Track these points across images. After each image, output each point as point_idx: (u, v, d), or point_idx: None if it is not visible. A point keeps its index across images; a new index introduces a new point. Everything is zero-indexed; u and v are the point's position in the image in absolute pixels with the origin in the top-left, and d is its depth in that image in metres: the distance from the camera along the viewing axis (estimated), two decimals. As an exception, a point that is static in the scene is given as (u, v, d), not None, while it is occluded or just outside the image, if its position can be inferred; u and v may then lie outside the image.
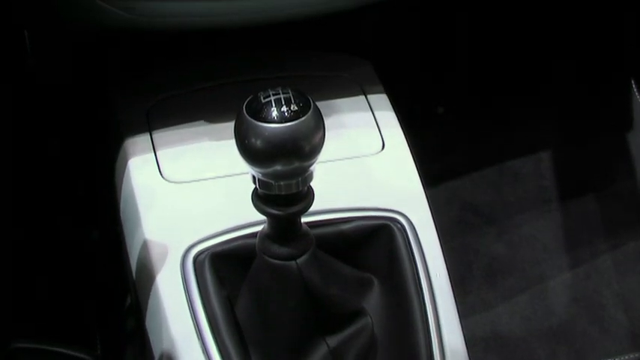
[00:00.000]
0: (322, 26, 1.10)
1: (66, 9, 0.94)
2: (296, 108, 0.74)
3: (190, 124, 1.07)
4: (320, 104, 1.05)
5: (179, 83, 1.13)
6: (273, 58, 1.17)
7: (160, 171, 1.01)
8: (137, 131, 1.07)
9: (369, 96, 1.12)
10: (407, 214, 0.96)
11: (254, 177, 0.77)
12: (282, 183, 0.76)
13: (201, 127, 1.06)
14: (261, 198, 0.79)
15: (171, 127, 1.07)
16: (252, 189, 0.80)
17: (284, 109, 0.73)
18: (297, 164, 0.74)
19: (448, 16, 1.50)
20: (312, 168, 0.77)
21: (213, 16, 0.96)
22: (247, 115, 0.74)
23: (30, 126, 1.37)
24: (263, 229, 0.84)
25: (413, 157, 1.04)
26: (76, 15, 0.96)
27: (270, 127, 0.73)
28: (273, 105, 0.74)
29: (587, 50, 1.67)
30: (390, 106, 1.12)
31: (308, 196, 0.80)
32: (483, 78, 1.65)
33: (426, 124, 1.60)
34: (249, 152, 0.74)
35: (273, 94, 0.74)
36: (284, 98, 0.74)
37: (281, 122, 0.73)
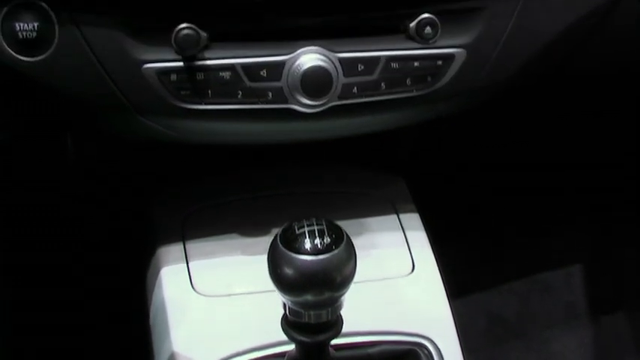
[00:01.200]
0: (357, 141, 1.12)
1: (107, 122, 0.98)
2: (329, 240, 0.75)
3: (224, 236, 1.08)
4: (351, 222, 1.08)
5: (215, 194, 1.15)
6: (307, 172, 1.19)
7: (191, 283, 1.03)
8: (171, 240, 1.08)
9: (400, 215, 1.14)
10: (434, 339, 0.96)
11: (284, 304, 0.79)
12: (312, 312, 0.77)
13: (234, 240, 1.08)
14: (291, 324, 0.80)
15: (206, 239, 1.08)
16: (282, 313, 0.81)
17: (317, 241, 0.75)
18: (327, 295, 0.76)
19: (477, 130, 1.52)
20: (342, 298, 0.78)
21: (253, 136, 0.99)
22: (281, 245, 0.75)
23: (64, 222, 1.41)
24: (291, 352, 0.84)
25: (443, 280, 1.05)
26: (116, 128, 1.00)
27: (303, 259, 0.74)
28: (307, 236, 0.75)
29: (619, 162, 1.67)
30: (422, 225, 1.13)
31: (337, 323, 0.81)
32: (510, 186, 1.66)
33: (454, 233, 1.60)
34: (281, 281, 0.76)
35: (307, 225, 0.76)
36: (318, 230, 0.76)
37: (314, 254, 0.74)
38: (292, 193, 1.14)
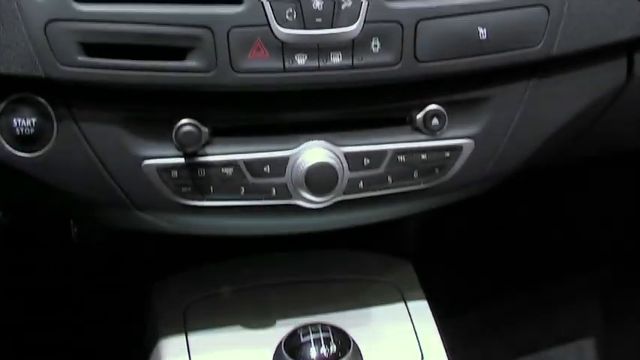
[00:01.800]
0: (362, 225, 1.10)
1: (106, 217, 0.96)
2: (335, 349, 0.73)
3: (227, 327, 1.06)
4: (357, 312, 1.05)
5: (217, 282, 1.13)
6: (311, 258, 1.17)
7: None
8: (173, 331, 1.06)
9: (408, 303, 1.11)
10: None
11: None
12: None
13: (238, 333, 1.05)
14: None
15: (208, 330, 1.06)
16: None
17: (323, 349, 0.73)
18: None
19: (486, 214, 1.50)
20: None
21: (256, 230, 0.97)
22: (286, 354, 0.73)
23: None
24: None
25: None
26: (116, 222, 0.98)
27: None
28: (312, 344, 0.73)
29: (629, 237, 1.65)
30: (430, 313, 1.10)
31: None
32: (519, 265, 1.63)
33: (462, 308, 1.57)
34: None
35: (313, 332, 0.74)
36: (323, 338, 0.74)
37: (319, 364, 0.72)
38: (297, 281, 1.11)
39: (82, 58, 0.81)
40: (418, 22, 0.85)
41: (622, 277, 1.67)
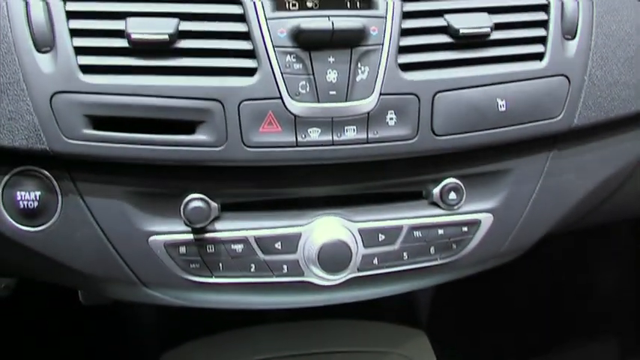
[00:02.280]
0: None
1: (112, 292, 0.93)
2: None
3: None
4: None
5: (228, 354, 1.09)
6: (322, 329, 1.13)
7: None
8: None
9: (423, 378, 1.07)
10: None
11: None
12: None
13: None
14: None
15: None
16: None
17: None
18: None
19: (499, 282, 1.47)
20: None
21: (266, 305, 0.94)
22: None
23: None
24: None
25: None
26: (122, 297, 0.94)
27: None
28: None
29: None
30: None
31: None
32: (534, 331, 1.59)
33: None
34: None
35: None
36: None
37: None
38: (308, 353, 1.08)
39: (88, 132, 0.78)
40: (435, 94, 0.82)
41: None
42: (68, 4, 0.79)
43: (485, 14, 0.85)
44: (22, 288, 1.35)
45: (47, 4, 0.79)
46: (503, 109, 0.85)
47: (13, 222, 0.82)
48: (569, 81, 0.88)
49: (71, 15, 0.79)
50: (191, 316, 1.17)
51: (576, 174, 0.94)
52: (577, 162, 0.94)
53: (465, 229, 0.90)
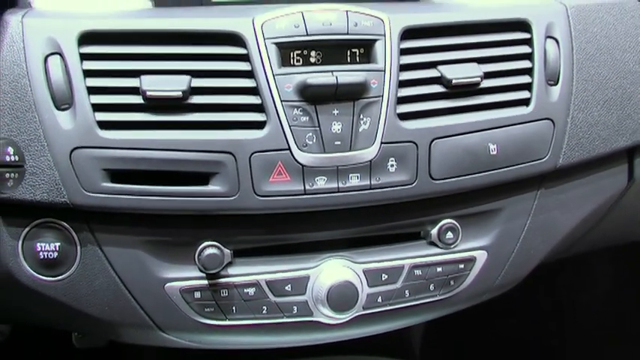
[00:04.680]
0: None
1: (127, 337, 0.95)
2: None
3: None
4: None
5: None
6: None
7: None
8: None
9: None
10: None
11: None
12: None
13: None
14: None
15: None
16: None
17: None
18: None
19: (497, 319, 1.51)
20: None
21: (276, 344, 0.97)
22: None
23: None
24: None
25: None
26: (137, 341, 0.97)
27: None
28: None
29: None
30: None
31: None
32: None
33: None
34: None
35: None
36: None
37: None
38: None
39: (106, 185, 0.82)
40: (432, 141, 0.88)
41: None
42: (85, 62, 0.83)
43: (474, 64, 0.91)
44: (16, 333, 1.36)
45: (65, 63, 0.82)
46: (495, 152, 0.91)
47: (33, 272, 0.85)
48: (553, 124, 0.94)
49: (88, 73, 0.83)
50: (187, 356, 1.19)
51: (562, 210, 1.00)
52: (562, 199, 1.00)
53: (462, 266, 0.95)
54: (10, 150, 0.73)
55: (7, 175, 0.73)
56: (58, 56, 0.82)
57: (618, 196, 1.05)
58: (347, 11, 0.86)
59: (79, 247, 0.86)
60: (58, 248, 0.85)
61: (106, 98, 0.83)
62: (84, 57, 0.83)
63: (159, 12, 0.92)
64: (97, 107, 0.82)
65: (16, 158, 0.74)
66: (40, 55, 0.82)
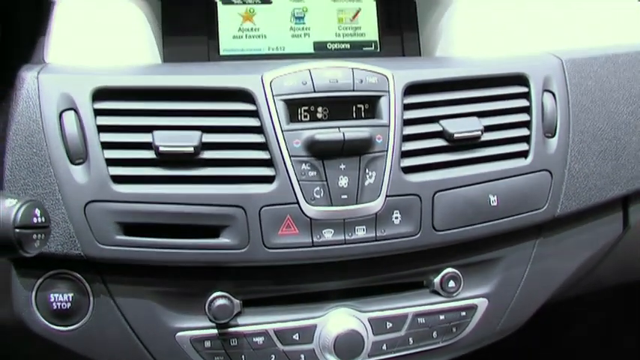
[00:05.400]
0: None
1: None
2: None
3: None
4: None
5: None
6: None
7: None
8: None
9: None
10: None
11: None
12: None
13: None
14: None
15: None
16: None
17: None
18: None
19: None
20: None
21: None
22: None
23: None
24: None
25: None
26: None
27: None
28: None
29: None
30: None
31: None
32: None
33: None
34: None
35: None
36: None
37: None
38: None
39: (120, 237, 0.84)
40: (435, 193, 0.90)
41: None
42: (99, 118, 0.85)
43: (475, 118, 0.94)
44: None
45: (80, 118, 0.85)
46: (495, 203, 0.94)
47: (47, 322, 0.87)
48: (551, 175, 0.97)
49: (102, 129, 0.85)
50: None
51: (560, 257, 1.03)
52: (560, 247, 1.02)
53: (464, 313, 0.98)
54: (38, 212, 0.75)
55: (35, 236, 0.75)
56: (72, 112, 0.85)
57: (614, 243, 1.08)
58: (353, 68, 0.89)
59: (91, 298, 0.88)
60: (71, 299, 0.87)
61: (119, 153, 0.85)
62: (98, 112, 0.85)
63: (170, 68, 0.95)
64: (111, 162, 0.84)
65: (43, 220, 0.76)
66: (55, 110, 0.85)
